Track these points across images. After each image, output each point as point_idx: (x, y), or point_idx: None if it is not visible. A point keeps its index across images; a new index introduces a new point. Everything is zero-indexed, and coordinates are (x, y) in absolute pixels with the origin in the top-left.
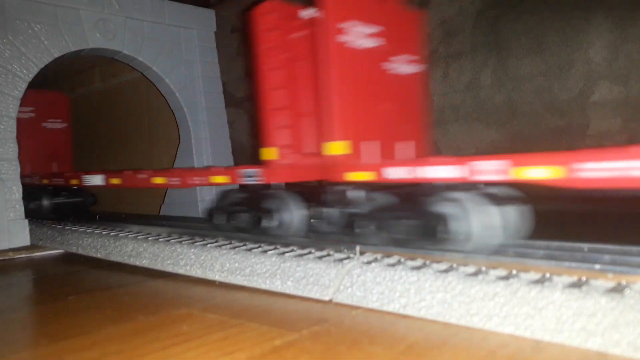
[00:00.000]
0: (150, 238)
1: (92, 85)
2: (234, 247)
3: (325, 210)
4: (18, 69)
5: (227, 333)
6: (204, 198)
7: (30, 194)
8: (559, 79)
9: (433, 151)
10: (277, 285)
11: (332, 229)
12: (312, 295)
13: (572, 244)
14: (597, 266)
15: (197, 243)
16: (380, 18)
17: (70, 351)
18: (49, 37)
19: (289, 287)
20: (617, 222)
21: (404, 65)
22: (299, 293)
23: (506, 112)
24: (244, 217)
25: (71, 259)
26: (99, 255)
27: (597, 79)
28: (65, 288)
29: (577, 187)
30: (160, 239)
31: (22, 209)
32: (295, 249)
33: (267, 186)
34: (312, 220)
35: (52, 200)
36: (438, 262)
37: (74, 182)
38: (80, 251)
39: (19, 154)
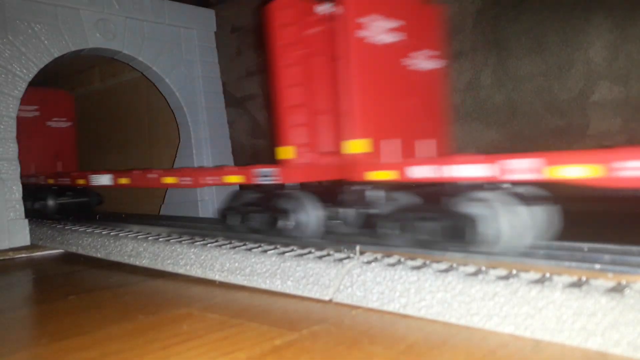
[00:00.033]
0: (150, 238)
1: (92, 85)
2: (234, 247)
3: (342, 210)
4: (18, 69)
5: (227, 333)
6: (203, 198)
7: (35, 193)
8: (559, 79)
9: (455, 149)
10: (277, 285)
11: (350, 230)
12: (312, 295)
13: (572, 244)
14: (597, 266)
15: (197, 243)
16: (400, 12)
17: (70, 351)
18: (49, 37)
19: (289, 287)
20: (617, 222)
21: (424, 61)
22: (299, 293)
23: (506, 112)
24: (258, 217)
25: (71, 259)
26: (99, 255)
27: (597, 79)
28: (65, 288)
29: (617, 187)
30: (160, 239)
31: (22, 208)
32: (295, 248)
33: (281, 186)
34: (329, 220)
35: (57, 200)
36: (438, 261)
37: (80, 182)
38: (80, 251)
39: (23, 153)
